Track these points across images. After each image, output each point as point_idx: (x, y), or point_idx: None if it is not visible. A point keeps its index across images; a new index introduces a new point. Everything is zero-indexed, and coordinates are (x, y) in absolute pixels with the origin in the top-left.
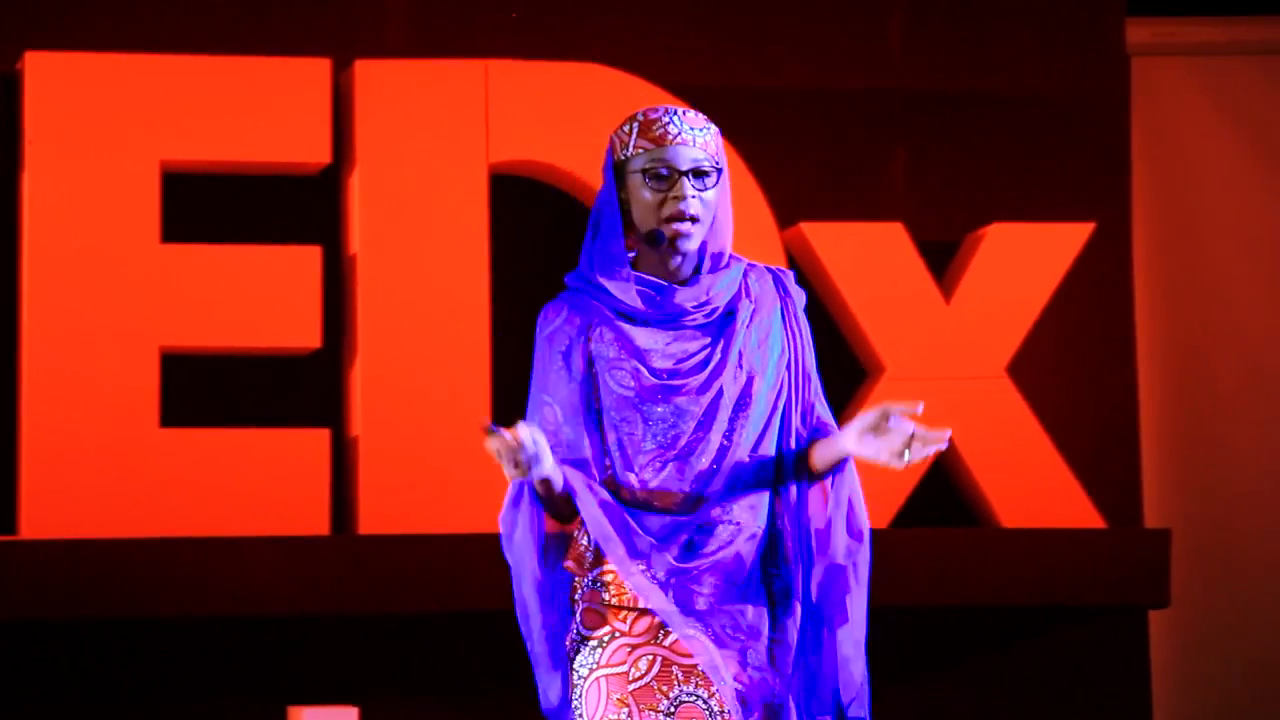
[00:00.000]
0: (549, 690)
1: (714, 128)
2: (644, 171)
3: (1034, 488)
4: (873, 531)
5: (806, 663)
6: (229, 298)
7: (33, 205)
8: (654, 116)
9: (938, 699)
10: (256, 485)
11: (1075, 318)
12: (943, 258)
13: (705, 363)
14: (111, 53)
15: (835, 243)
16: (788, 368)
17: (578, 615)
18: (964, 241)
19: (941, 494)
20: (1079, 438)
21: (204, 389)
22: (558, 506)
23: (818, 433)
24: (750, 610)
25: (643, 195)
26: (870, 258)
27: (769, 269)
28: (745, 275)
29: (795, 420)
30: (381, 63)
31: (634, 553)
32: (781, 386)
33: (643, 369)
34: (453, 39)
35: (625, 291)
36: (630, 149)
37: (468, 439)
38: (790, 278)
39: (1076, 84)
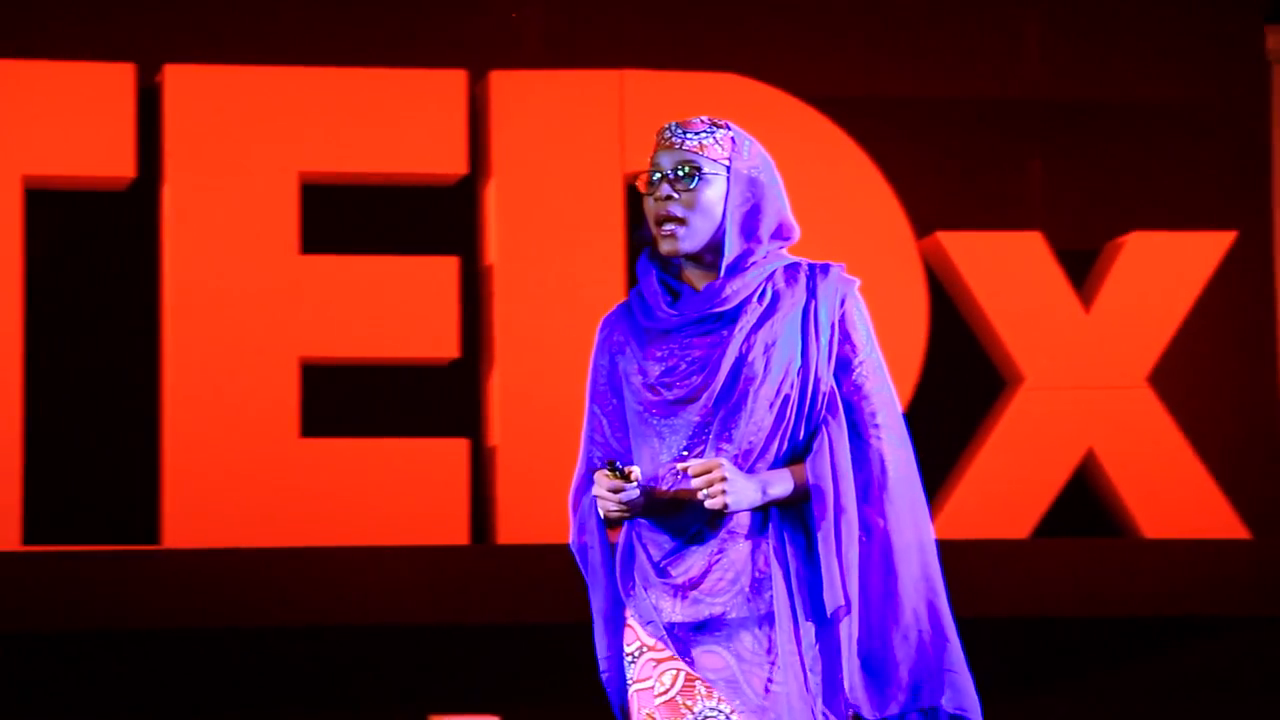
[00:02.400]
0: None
1: (723, 132)
2: (646, 175)
3: (1176, 497)
4: (1012, 542)
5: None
6: (368, 308)
7: (173, 217)
8: (665, 123)
9: (1080, 709)
10: (396, 495)
11: (1217, 326)
12: (1082, 266)
13: (701, 368)
14: (250, 65)
15: (973, 252)
16: (799, 373)
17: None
18: (1103, 250)
19: (1083, 504)
20: (1221, 447)
21: (343, 399)
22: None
23: (813, 439)
24: (765, 621)
25: (646, 199)
26: (1008, 267)
27: (813, 265)
28: (771, 276)
29: (801, 427)
30: (517, 74)
31: (646, 585)
32: (787, 394)
33: (648, 384)
34: (588, 50)
35: (651, 296)
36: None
37: None
38: (830, 273)
39: (1216, 91)
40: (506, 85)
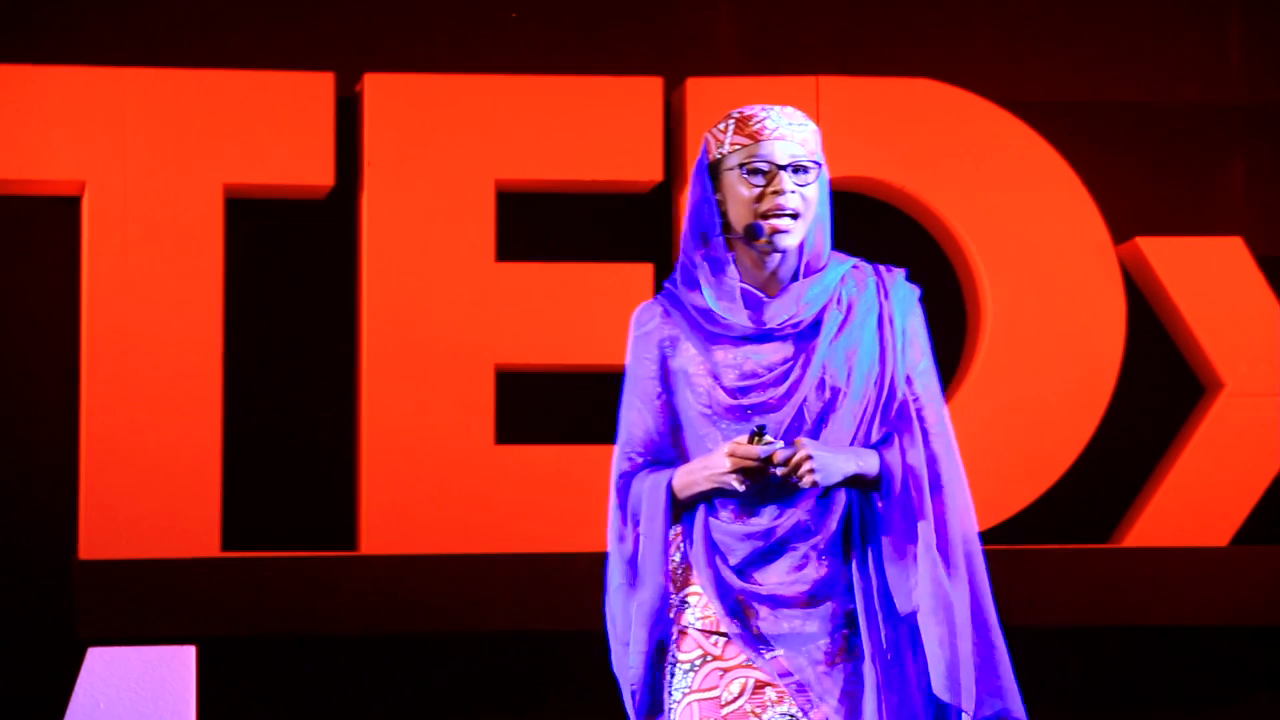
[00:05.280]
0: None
1: (813, 125)
2: (741, 166)
3: None
4: (1211, 550)
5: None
6: (563, 315)
7: (371, 225)
8: (750, 113)
9: None
10: (591, 501)
11: None
12: None
13: (784, 378)
14: (447, 74)
15: (1172, 257)
16: (876, 382)
17: (674, 637)
18: None
19: None
20: None
21: (539, 406)
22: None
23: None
24: (843, 627)
25: (740, 192)
26: (1209, 272)
27: (877, 267)
28: (843, 279)
29: (875, 431)
30: (713, 80)
31: (726, 591)
32: (868, 402)
33: (718, 387)
34: (783, 55)
35: (725, 302)
36: (726, 146)
37: None
38: (897, 277)
39: None
40: (702, 92)
